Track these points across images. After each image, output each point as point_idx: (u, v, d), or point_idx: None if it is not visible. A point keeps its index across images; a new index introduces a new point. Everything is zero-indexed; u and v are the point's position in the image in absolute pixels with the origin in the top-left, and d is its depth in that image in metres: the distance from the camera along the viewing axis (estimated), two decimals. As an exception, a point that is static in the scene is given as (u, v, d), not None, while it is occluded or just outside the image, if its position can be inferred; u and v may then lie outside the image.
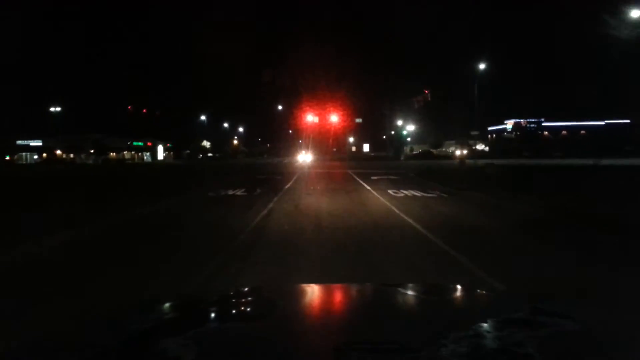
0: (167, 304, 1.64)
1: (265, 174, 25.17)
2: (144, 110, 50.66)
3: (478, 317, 1.33)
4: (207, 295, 1.95)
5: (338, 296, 1.75)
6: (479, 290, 2.17)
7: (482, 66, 52.64)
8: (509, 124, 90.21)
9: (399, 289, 1.77)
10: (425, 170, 26.55)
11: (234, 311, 1.57)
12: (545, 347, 1.06)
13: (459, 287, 2.05)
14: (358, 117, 59.89)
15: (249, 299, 1.74)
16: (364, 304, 1.68)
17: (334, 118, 58.98)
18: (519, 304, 1.57)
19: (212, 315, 1.48)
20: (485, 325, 1.23)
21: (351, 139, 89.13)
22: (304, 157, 54.92)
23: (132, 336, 1.19)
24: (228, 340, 1.14)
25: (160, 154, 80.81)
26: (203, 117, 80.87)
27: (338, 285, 2.27)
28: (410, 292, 1.75)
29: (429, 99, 41.06)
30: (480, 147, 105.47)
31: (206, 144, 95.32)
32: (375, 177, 21.98)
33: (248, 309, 1.57)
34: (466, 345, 1.04)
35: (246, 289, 2.04)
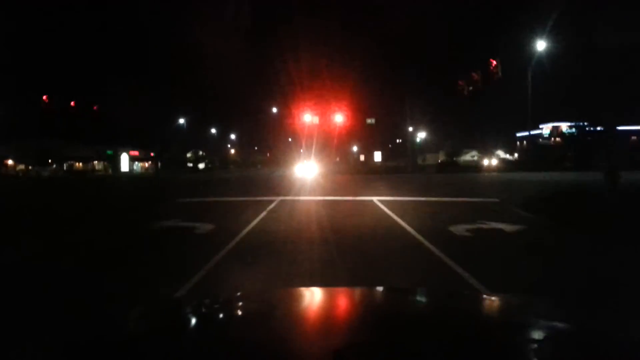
0: (167, 307, 1.61)
1: (197, 209, 11.55)
2: (72, 104, 36.21)
3: (478, 320, 1.33)
4: (207, 299, 1.78)
5: (337, 299, 1.69)
6: (479, 294, 2.08)
7: (541, 46, 39.08)
8: (546, 129, 76.24)
9: (400, 293, 1.85)
10: (545, 200, 12.72)
11: (233, 314, 1.52)
12: (545, 351, 1.06)
13: (459, 291, 1.99)
14: (369, 117, 46.17)
15: (249, 302, 1.68)
16: (363, 308, 1.60)
17: (339, 118, 45.50)
18: (519, 308, 1.55)
19: (211, 318, 1.44)
20: (485, 328, 1.22)
21: (355, 148, 75.40)
22: (304, 169, 40.51)
23: (131, 338, 1.16)
24: (227, 343, 1.12)
25: (125, 164, 66.99)
26: (182, 121, 67.71)
27: (338, 288, 2.22)
28: (410, 296, 1.73)
29: (499, 73, 27.36)
30: (498, 154, 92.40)
31: (196, 153, 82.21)
32: (465, 231, 8.17)
33: (247, 312, 1.52)
34: (466, 348, 1.04)
35: (246, 293, 2.07)
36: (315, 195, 17.43)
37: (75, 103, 34.55)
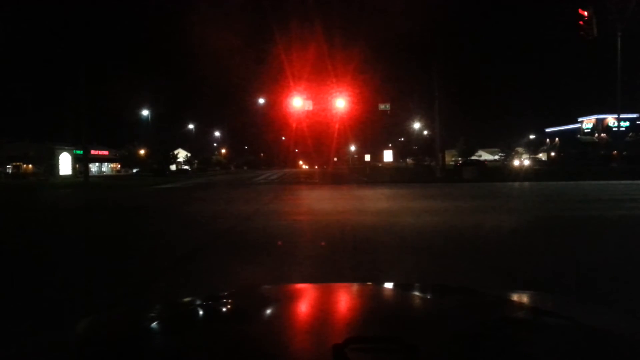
0: (163, 305, 1.61)
1: None
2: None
3: (478, 316, 1.34)
4: (204, 296, 1.72)
5: (336, 295, 1.67)
6: (479, 290, 1.94)
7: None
8: (587, 122, 64.01)
9: (399, 288, 1.81)
10: None
11: (231, 311, 1.51)
12: (546, 348, 1.04)
13: (459, 286, 1.96)
14: (384, 102, 33.58)
15: (247, 298, 1.66)
16: (362, 303, 1.58)
17: (340, 103, 32.98)
18: (520, 304, 1.55)
19: (209, 315, 1.44)
20: (485, 324, 1.22)
21: (352, 147, 62.72)
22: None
23: (130, 337, 1.16)
24: (225, 340, 1.10)
25: (67, 166, 53.87)
26: (146, 113, 55.10)
27: (336, 284, 2.18)
28: (410, 292, 1.73)
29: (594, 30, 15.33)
30: (521, 154, 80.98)
31: (164, 153, 69.58)
32: None
33: (246, 309, 1.49)
34: (466, 344, 1.03)
35: (244, 289, 2.01)
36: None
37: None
